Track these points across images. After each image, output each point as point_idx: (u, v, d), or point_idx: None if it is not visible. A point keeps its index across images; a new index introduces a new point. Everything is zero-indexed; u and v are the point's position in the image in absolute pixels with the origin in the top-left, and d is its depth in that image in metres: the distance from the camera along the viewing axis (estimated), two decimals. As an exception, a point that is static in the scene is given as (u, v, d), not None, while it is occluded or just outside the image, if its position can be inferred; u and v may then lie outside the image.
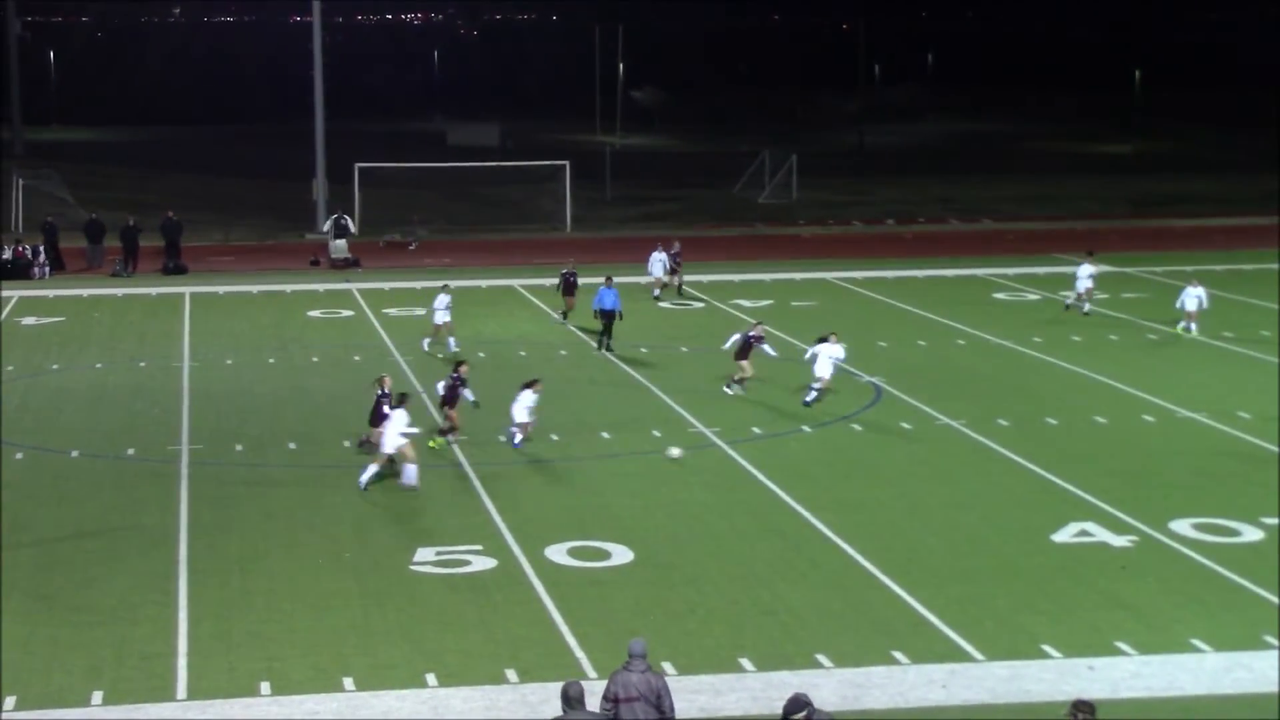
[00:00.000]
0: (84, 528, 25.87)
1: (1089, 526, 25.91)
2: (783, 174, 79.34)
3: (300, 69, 76.27)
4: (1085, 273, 46.41)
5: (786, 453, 30.84)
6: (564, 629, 21.47)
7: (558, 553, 24.57)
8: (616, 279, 41.87)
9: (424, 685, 19.64)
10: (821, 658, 20.45)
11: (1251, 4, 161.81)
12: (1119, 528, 25.84)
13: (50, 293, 50.67)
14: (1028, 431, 32.37)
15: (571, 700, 15.26)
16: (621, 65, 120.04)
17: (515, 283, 52.50)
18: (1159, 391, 35.89)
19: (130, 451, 30.85)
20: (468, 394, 30.86)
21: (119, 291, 50.97)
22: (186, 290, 50.81)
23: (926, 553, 24.72)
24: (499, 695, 19.40)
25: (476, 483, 28.47)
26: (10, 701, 19.00)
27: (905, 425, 33.07)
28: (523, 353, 40.65)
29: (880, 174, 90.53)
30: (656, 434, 32.08)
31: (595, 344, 40.74)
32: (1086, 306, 46.24)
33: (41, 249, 54.35)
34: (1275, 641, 21.00)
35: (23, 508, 26.80)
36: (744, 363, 35.35)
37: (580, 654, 20.60)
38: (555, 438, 31.60)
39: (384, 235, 63.07)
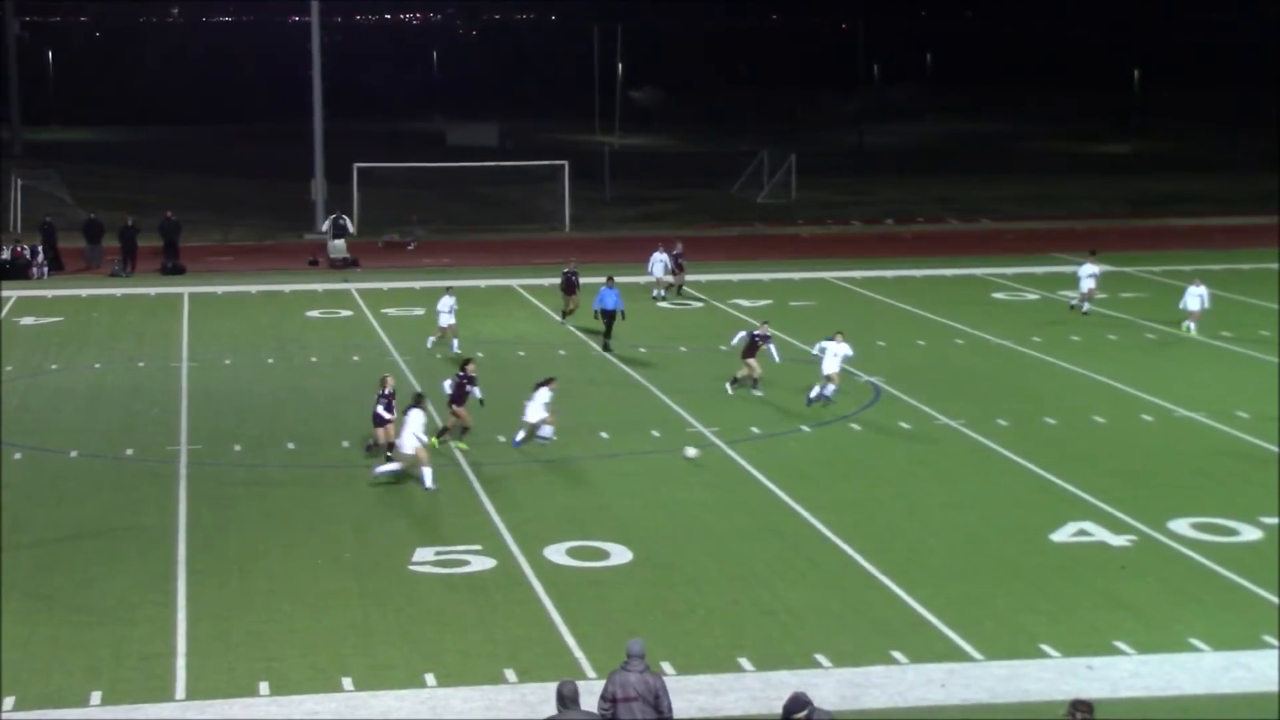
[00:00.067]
0: (83, 528, 25.86)
1: (1088, 526, 25.92)
2: (781, 174, 79.34)
3: (299, 69, 76.28)
4: (1087, 272, 46.38)
5: (786, 453, 30.84)
6: (563, 629, 21.47)
7: (557, 553, 24.56)
8: (616, 279, 41.86)
9: (423, 685, 19.64)
10: (820, 657, 20.45)
11: (1251, 4, 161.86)
12: (1118, 527, 25.85)
13: (49, 293, 50.66)
14: (1027, 431, 32.37)
15: (566, 699, 15.26)
16: (620, 65, 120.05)
17: (514, 283, 52.50)
18: (1158, 391, 35.89)
19: (129, 452, 30.85)
20: (476, 392, 30.85)
21: (117, 291, 50.96)
22: (185, 290, 50.80)
23: (925, 552, 24.72)
24: (498, 695, 19.40)
25: (476, 483, 28.46)
26: (9, 702, 18.99)
27: (904, 425, 33.07)
28: (521, 353, 40.65)
29: (879, 174, 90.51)
30: (656, 434, 32.08)
31: (603, 346, 40.71)
32: (1086, 306, 46.24)
33: (40, 249, 54.33)
34: (1274, 641, 21.00)
35: (21, 508, 26.79)
36: (751, 361, 35.33)
37: (579, 654, 20.60)
38: (554, 437, 31.57)
39: (383, 235, 63.05)
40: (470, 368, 31.21)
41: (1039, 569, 23.95)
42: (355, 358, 40.26)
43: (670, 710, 15.78)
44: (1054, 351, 40.64)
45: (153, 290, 51.13)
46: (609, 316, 40.45)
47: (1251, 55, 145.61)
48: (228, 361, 39.86)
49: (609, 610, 22.17)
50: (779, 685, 19.20)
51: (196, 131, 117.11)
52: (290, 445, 31.31)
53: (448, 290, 41.33)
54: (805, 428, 32.83)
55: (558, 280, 46.26)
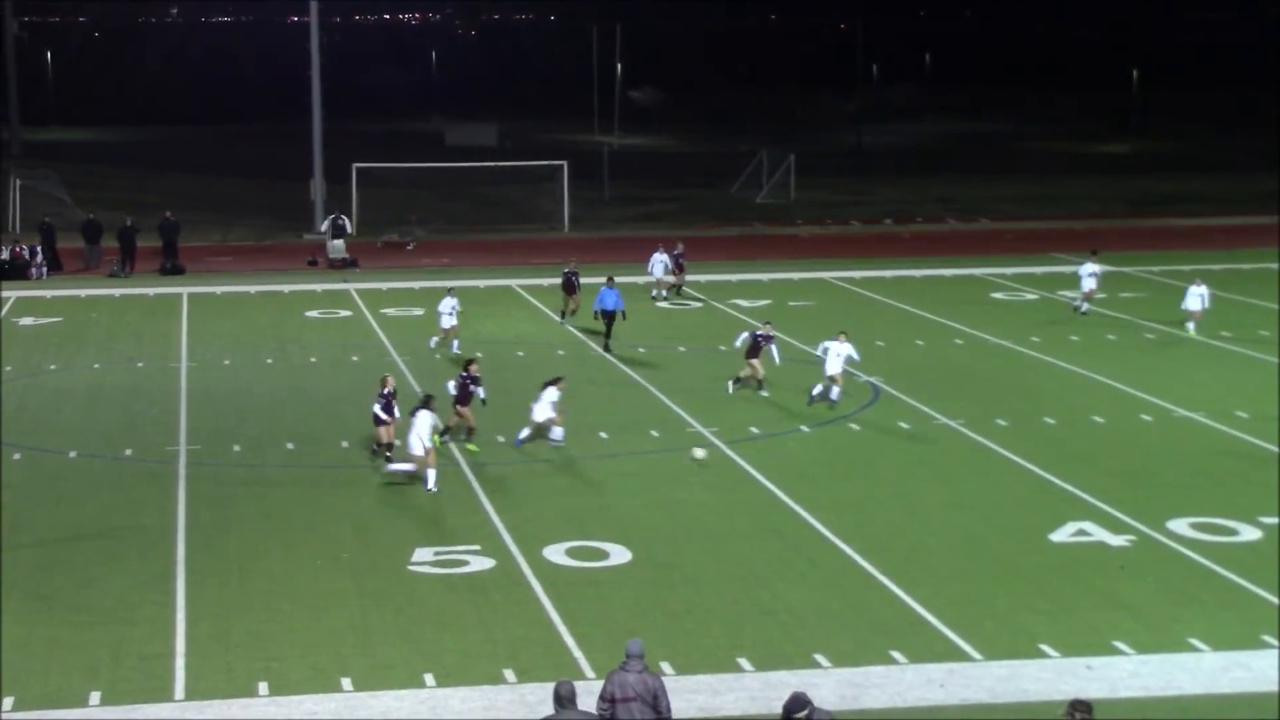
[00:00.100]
0: (82, 528, 25.86)
1: (1087, 526, 25.92)
2: (780, 174, 79.35)
3: (298, 69, 76.27)
4: (1087, 271, 46.33)
5: (785, 453, 30.84)
6: (562, 629, 21.46)
7: (556, 553, 24.56)
8: (616, 279, 41.85)
9: (422, 685, 19.63)
10: (820, 657, 20.45)
11: (1251, 4, 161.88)
12: (1117, 527, 25.84)
13: (48, 293, 50.65)
14: (1026, 431, 32.37)
15: (563, 699, 15.25)
16: (620, 65, 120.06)
17: (513, 283, 52.49)
18: (1157, 391, 35.89)
19: (128, 452, 30.84)
20: (480, 392, 30.83)
21: (116, 292, 50.95)
22: (184, 290, 50.79)
23: (925, 552, 24.72)
24: (497, 695, 19.39)
25: (475, 483, 28.45)
26: (8, 702, 18.99)
27: (903, 425, 33.06)
28: (521, 353, 40.64)
29: (879, 174, 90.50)
30: (655, 434, 32.08)
31: (603, 346, 40.67)
32: (1085, 306, 46.21)
33: (39, 249, 54.33)
34: (1273, 641, 21.00)
35: (21, 508, 26.78)
36: (754, 361, 35.31)
37: (578, 654, 20.59)
38: (554, 437, 31.57)
39: (382, 235, 63.05)
40: (473, 368, 31.19)
41: (1038, 569, 23.95)
42: (354, 358, 40.25)
43: (669, 710, 15.78)
44: (1053, 351, 40.64)
45: (152, 290, 51.12)
46: (609, 317, 40.44)
47: (1251, 55, 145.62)
48: (227, 362, 39.85)
49: (608, 610, 22.17)
50: (778, 685, 19.20)
51: (195, 131, 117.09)
52: (289, 445, 31.30)
53: (449, 291, 41.32)
54: (805, 428, 32.82)
55: (557, 280, 46.23)
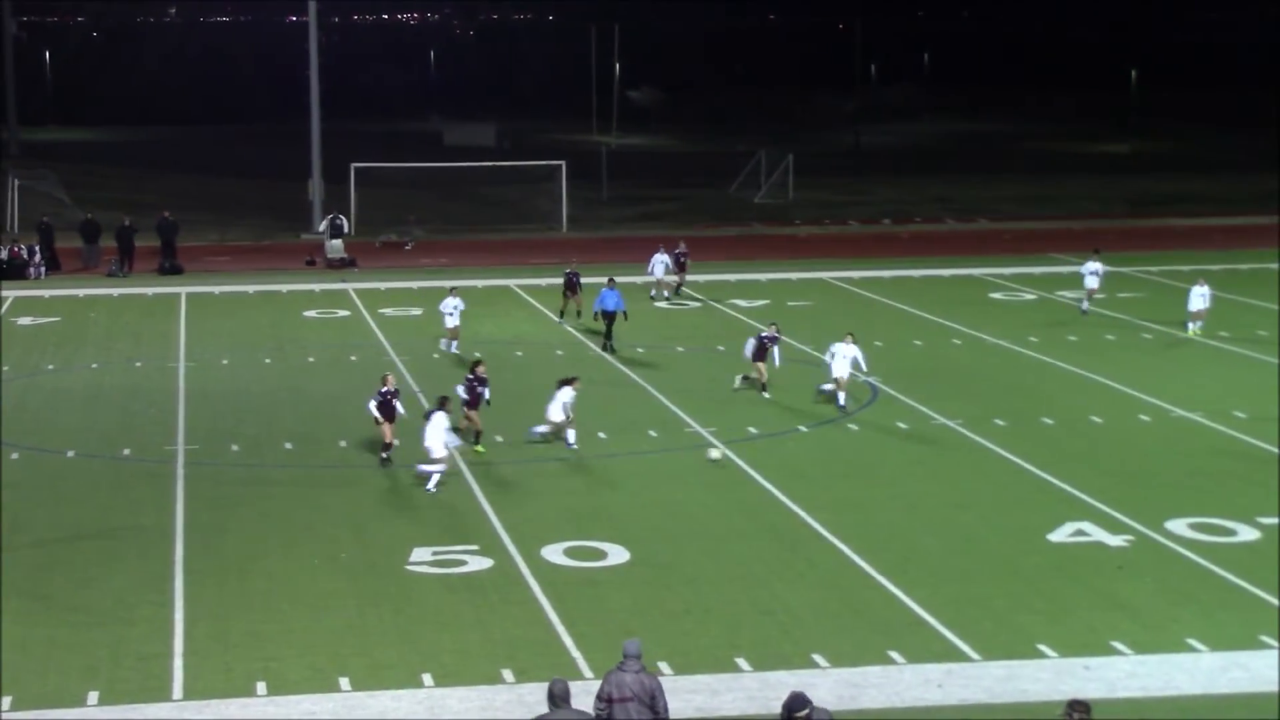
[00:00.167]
0: (80, 528, 25.85)
1: (1085, 526, 25.92)
2: (779, 174, 79.36)
3: (296, 69, 76.28)
4: (1090, 270, 46.24)
5: (783, 453, 30.83)
6: (560, 629, 21.46)
7: (554, 553, 24.56)
8: (616, 280, 41.85)
9: (420, 685, 19.63)
10: (818, 657, 20.45)
11: (1251, 4, 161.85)
12: (1115, 527, 25.85)
13: (46, 293, 50.64)
14: (1024, 431, 32.38)
15: (557, 698, 15.23)
16: (618, 65, 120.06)
17: (512, 283, 52.49)
18: (1156, 391, 35.90)
19: (126, 452, 30.83)
20: (485, 393, 30.82)
21: (115, 291, 50.94)
22: (182, 290, 50.78)
23: (923, 552, 24.72)
24: (495, 695, 19.39)
25: (473, 483, 28.44)
26: (6, 702, 18.98)
27: (902, 425, 33.06)
28: (519, 353, 40.63)
29: (877, 174, 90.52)
30: (653, 434, 32.08)
31: (601, 346, 40.64)
32: (1085, 305, 46.14)
33: (37, 249, 54.34)
34: (1271, 641, 21.00)
35: (19, 508, 26.77)
36: (761, 365, 35.28)
37: (576, 654, 20.59)
38: (539, 438, 31.59)
39: (380, 235, 63.04)
40: (480, 369, 31.15)
41: (1036, 569, 23.95)
42: (353, 358, 40.25)
43: (666, 710, 15.77)
44: (1052, 351, 40.64)
45: (150, 290, 51.12)
46: (609, 318, 40.44)
47: (1251, 55, 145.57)
48: (225, 361, 39.84)
49: (606, 610, 22.17)
50: (776, 685, 19.19)
51: (194, 131, 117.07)
52: (288, 445, 31.30)
53: (451, 290, 41.24)
54: (803, 428, 32.83)
55: (555, 280, 46.21)
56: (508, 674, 19.91)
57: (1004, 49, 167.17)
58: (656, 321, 45.27)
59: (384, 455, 29.27)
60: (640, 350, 40.81)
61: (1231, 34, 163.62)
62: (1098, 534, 25.55)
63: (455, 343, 40.25)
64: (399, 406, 29.52)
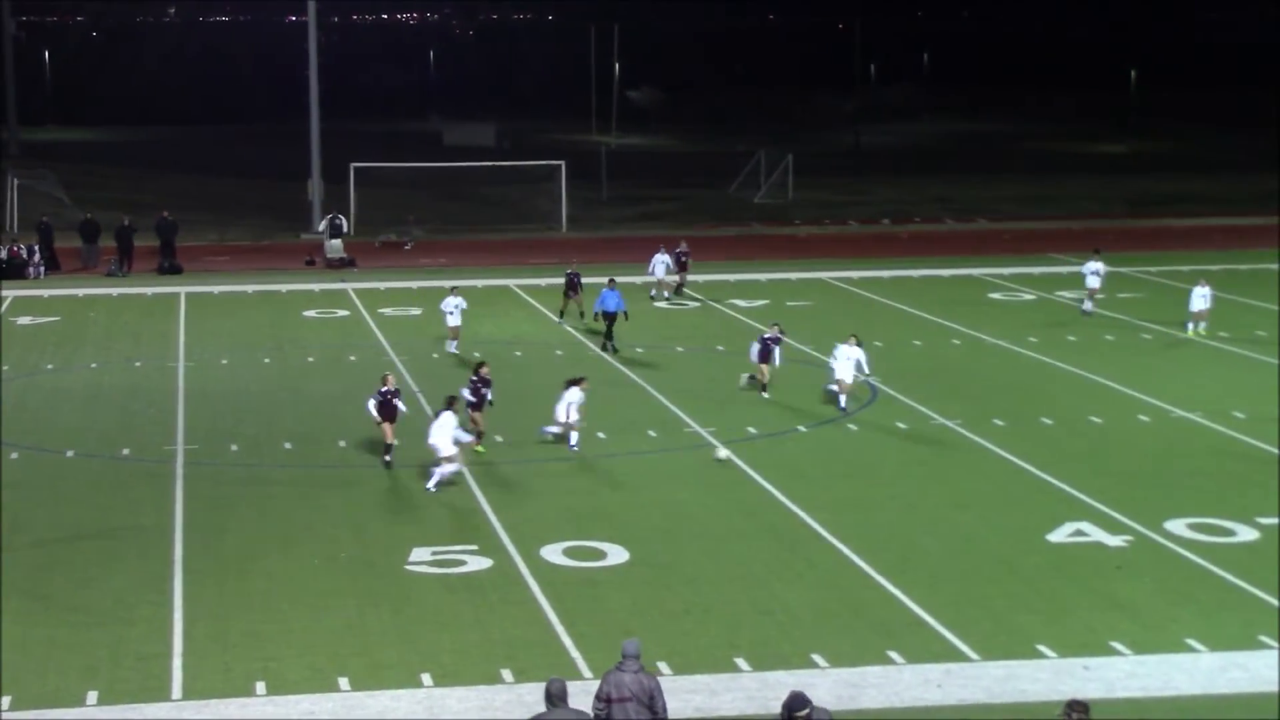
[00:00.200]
0: (79, 528, 25.85)
1: (1084, 526, 25.92)
2: (779, 174, 79.40)
3: (296, 69, 76.31)
4: (1091, 269, 46.18)
5: (782, 453, 30.83)
6: (559, 629, 21.46)
7: (553, 552, 24.56)
8: (616, 280, 41.85)
9: (419, 685, 19.63)
10: (817, 657, 20.45)
11: (1251, 4, 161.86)
12: (1114, 528, 25.85)
13: (45, 292, 50.65)
14: (1023, 431, 32.38)
15: (554, 697, 15.22)
16: (617, 65, 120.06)
17: (511, 283, 52.50)
18: (1155, 391, 35.90)
19: (125, 451, 30.83)
20: (488, 394, 30.80)
21: (114, 291, 50.95)
22: (182, 290, 50.79)
23: (922, 552, 24.72)
24: (494, 695, 19.39)
25: (472, 482, 28.43)
26: (6, 701, 18.98)
27: (901, 425, 33.07)
28: (518, 353, 40.63)
29: (877, 174, 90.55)
30: (652, 434, 32.08)
31: (601, 346, 40.63)
32: (1089, 305, 46.05)
33: (36, 248, 54.37)
34: (1270, 641, 20.99)
35: (18, 508, 26.77)
36: (764, 366, 35.25)
37: (576, 654, 20.59)
38: (550, 438, 31.59)
39: (380, 235, 63.05)
40: (484, 370, 31.14)
41: (1035, 569, 23.95)
42: (352, 357, 40.25)
43: (665, 710, 15.77)
44: (1051, 352, 40.64)
45: (149, 290, 51.13)
46: (610, 318, 40.44)
47: (1251, 55, 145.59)
48: (224, 361, 39.85)
49: (606, 610, 22.17)
50: (776, 685, 19.19)
51: (193, 131, 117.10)
52: (287, 445, 31.30)
53: (452, 289, 41.18)
54: (802, 428, 32.83)
55: (555, 280, 46.19)
56: (507, 674, 19.91)
57: (1004, 49, 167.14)
58: (656, 322, 45.28)
59: (387, 459, 29.21)
60: (640, 350, 40.82)
61: (1231, 34, 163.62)
62: (1097, 534, 25.55)
63: (455, 342, 40.19)
64: (400, 405, 29.49)
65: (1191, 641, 21.03)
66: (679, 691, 19.00)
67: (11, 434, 31.80)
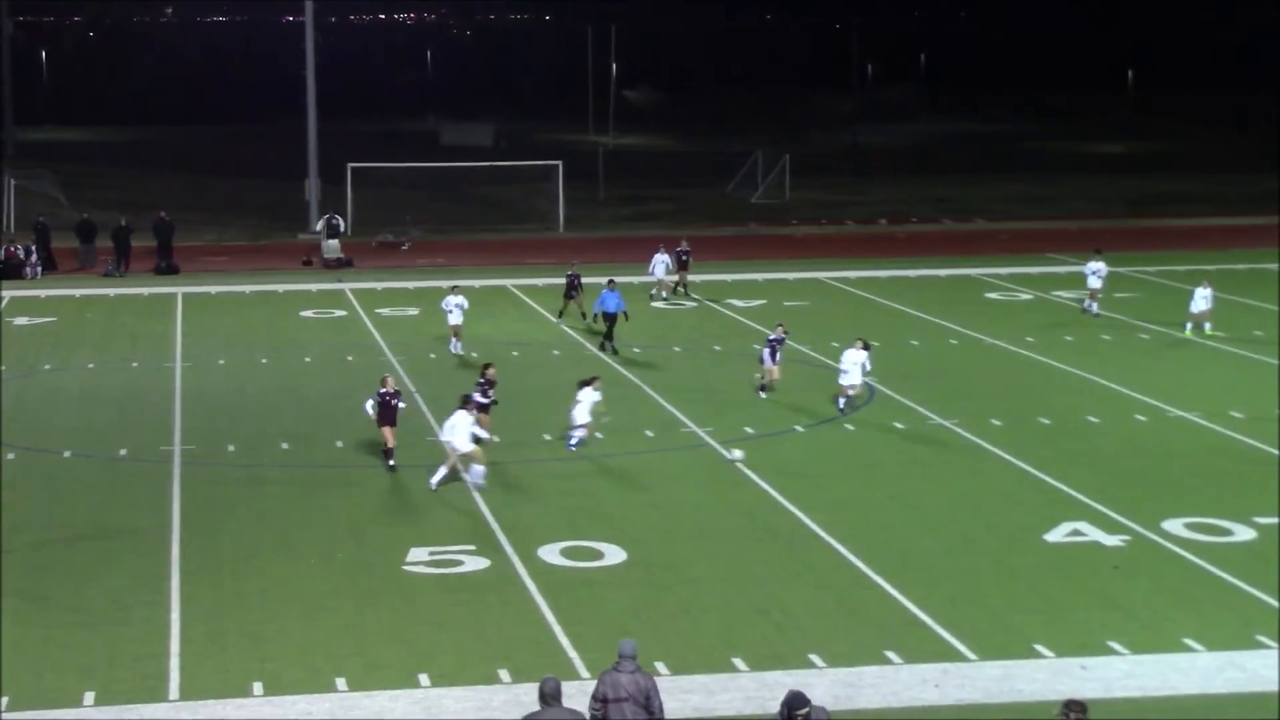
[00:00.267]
0: (76, 528, 25.83)
1: (1081, 526, 25.91)
2: (776, 174, 79.41)
3: (293, 69, 76.29)
4: (1092, 269, 46.13)
5: (780, 453, 30.82)
6: (557, 629, 21.45)
7: (550, 553, 24.55)
8: (615, 281, 41.83)
9: (417, 685, 19.62)
10: (814, 657, 20.44)
11: (1250, 4, 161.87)
12: (1111, 527, 25.85)
13: (42, 293, 50.62)
14: (1020, 431, 32.38)
15: (548, 696, 15.21)
16: (615, 65, 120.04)
17: (509, 283, 52.49)
18: (1152, 391, 35.90)
19: (123, 452, 30.81)
20: (491, 395, 30.77)
21: (111, 292, 50.93)
22: (179, 290, 50.77)
23: (920, 552, 24.72)
24: (492, 695, 19.37)
25: (469, 482, 28.39)
26: (3, 702, 18.96)
27: (898, 425, 33.07)
28: (515, 353, 40.60)
29: (874, 174, 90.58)
30: (650, 434, 32.07)
31: (599, 346, 40.61)
32: (1094, 306, 45.95)
33: (33, 249, 54.34)
34: (1267, 641, 20.99)
35: (15, 508, 26.74)
36: (773, 367, 35.22)
37: (573, 654, 20.58)
38: (547, 438, 31.60)
39: (377, 235, 63.03)
40: (491, 372, 31.15)
41: (1033, 569, 23.95)
42: (349, 358, 40.24)
43: (661, 710, 15.77)
44: (1048, 351, 40.65)
45: (146, 290, 51.11)
46: (610, 319, 40.43)
47: (1249, 55, 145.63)
48: (221, 361, 39.83)
49: (603, 610, 22.16)
50: (773, 685, 19.19)
51: (191, 132, 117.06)
52: (284, 445, 31.28)
53: (453, 289, 41.08)
54: (799, 428, 32.83)
55: (552, 280, 46.18)
56: (504, 674, 19.90)
57: (1001, 49, 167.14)
58: (653, 322, 45.27)
59: (390, 463, 29.13)
60: (637, 350, 40.81)
61: (1231, 34, 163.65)
62: (1094, 534, 25.55)
63: (459, 342, 40.01)
64: (401, 405, 29.43)
65: (1189, 641, 21.03)
66: (676, 691, 18.99)
67: (9, 434, 31.77)
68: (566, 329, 43.75)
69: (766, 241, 65.00)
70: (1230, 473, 29.41)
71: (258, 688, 19.53)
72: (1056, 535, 25.49)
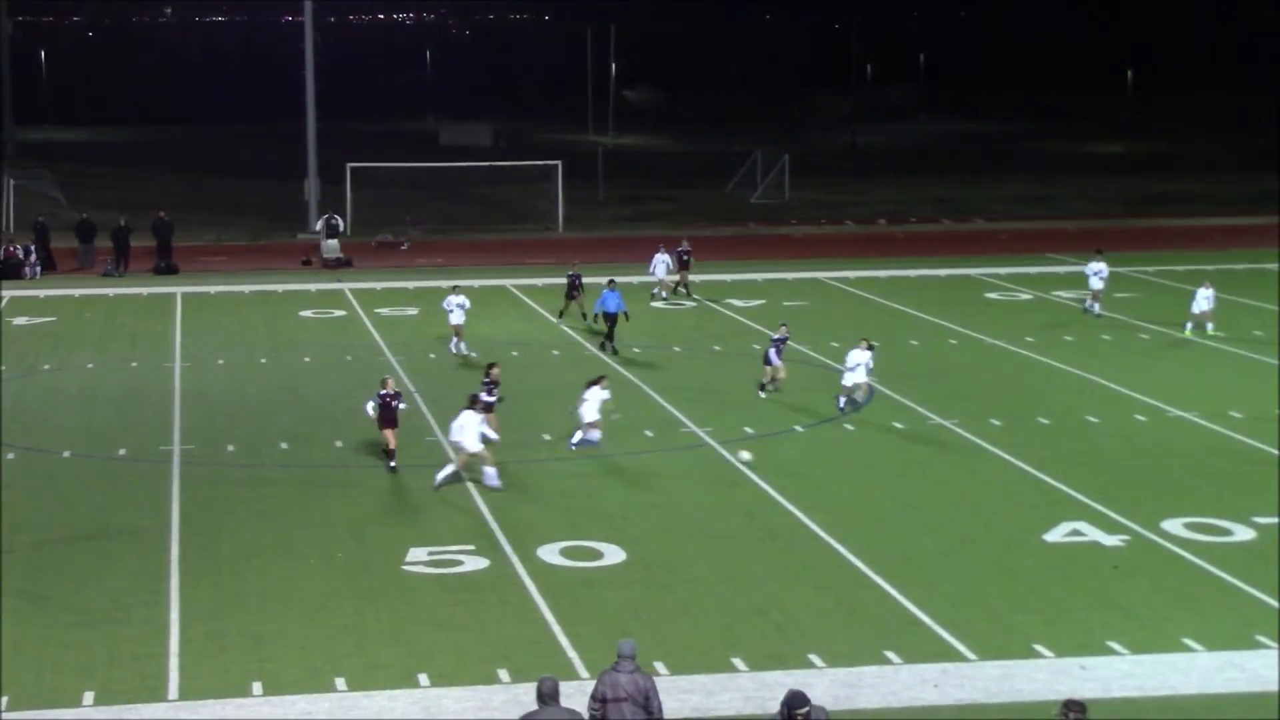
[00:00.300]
0: (76, 528, 25.82)
1: (1081, 526, 25.92)
2: (775, 174, 79.42)
3: (292, 69, 76.29)
4: (1094, 270, 46.10)
5: (779, 453, 30.82)
6: (556, 629, 21.45)
7: (550, 553, 24.54)
8: (616, 281, 41.83)
9: (416, 685, 19.61)
10: (814, 657, 20.44)
11: (1250, 4, 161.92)
12: (1111, 527, 25.85)
13: (41, 293, 50.62)
14: (1020, 431, 32.38)
15: (545, 696, 15.21)
16: (614, 65, 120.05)
17: (508, 283, 52.48)
18: (1151, 391, 35.91)
19: (122, 452, 30.81)
20: (497, 395, 30.78)
21: (110, 291, 50.92)
22: (178, 290, 50.77)
23: (919, 552, 24.71)
24: (491, 695, 19.37)
25: (469, 483, 28.40)
26: (2, 702, 18.95)
27: (898, 425, 33.07)
28: (515, 353, 40.60)
29: (873, 174, 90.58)
30: (649, 434, 32.06)
31: (600, 346, 40.61)
32: (1096, 307, 45.90)
33: (33, 249, 54.34)
34: (1267, 641, 20.99)
35: (15, 508, 26.73)
36: (767, 368, 35.20)
37: (572, 654, 20.58)
38: (547, 437, 31.60)
39: (376, 235, 63.03)
40: (495, 371, 31.16)
41: (1032, 569, 23.95)
42: (348, 357, 40.24)
43: (660, 710, 15.77)
44: (1047, 351, 40.66)
45: (145, 290, 51.11)
46: (611, 319, 40.43)
47: (1248, 55, 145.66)
48: (221, 361, 39.83)
49: (602, 610, 22.16)
50: (772, 685, 19.19)
51: (190, 132, 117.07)
52: (284, 445, 31.27)
53: (454, 289, 41.05)
54: (799, 428, 32.83)
55: (551, 280, 46.17)
56: (504, 674, 19.90)
57: (1001, 49, 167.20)
58: (653, 322, 45.26)
59: (391, 464, 29.13)
60: (636, 350, 40.81)
61: (1230, 34, 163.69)
62: (1094, 534, 25.55)
63: (462, 342, 39.98)
64: (402, 406, 29.40)
65: (1188, 641, 21.03)
66: (675, 691, 18.99)
67: (8, 434, 31.77)
68: (566, 329, 43.75)
69: (766, 241, 65.00)
70: (1230, 473, 29.42)
71: (257, 688, 19.53)
72: (1056, 535, 25.49)
